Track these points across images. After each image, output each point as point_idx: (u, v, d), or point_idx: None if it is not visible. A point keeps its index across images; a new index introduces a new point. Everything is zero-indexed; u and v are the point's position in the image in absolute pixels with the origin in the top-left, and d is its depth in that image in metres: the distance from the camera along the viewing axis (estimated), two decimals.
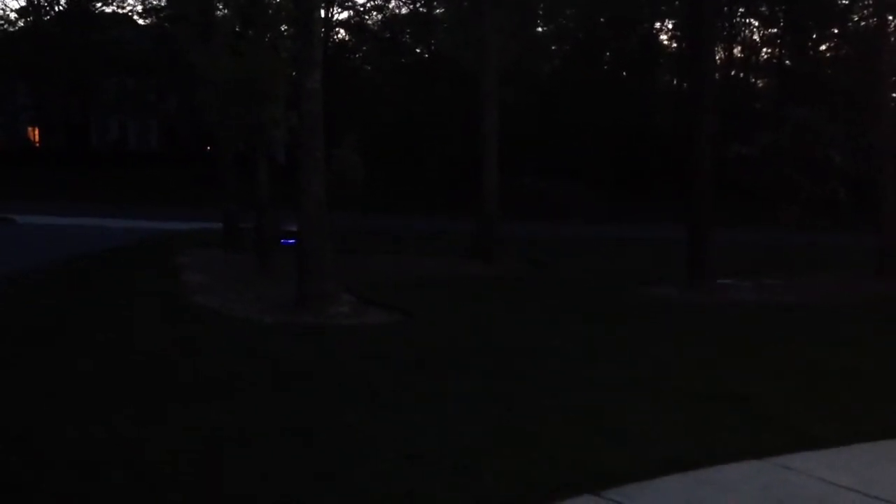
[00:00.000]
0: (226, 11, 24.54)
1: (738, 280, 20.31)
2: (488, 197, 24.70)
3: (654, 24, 62.52)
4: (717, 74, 38.08)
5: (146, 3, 66.47)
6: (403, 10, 67.69)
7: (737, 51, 63.11)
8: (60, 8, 63.88)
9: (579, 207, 44.09)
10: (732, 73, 62.37)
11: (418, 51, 67.56)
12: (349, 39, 69.97)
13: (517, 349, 11.76)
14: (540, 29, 59.35)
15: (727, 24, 59.27)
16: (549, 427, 8.04)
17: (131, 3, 70.90)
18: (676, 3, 56.17)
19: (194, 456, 7.08)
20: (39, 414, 8.26)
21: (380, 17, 68.53)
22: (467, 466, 6.86)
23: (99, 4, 65.57)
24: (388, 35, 67.43)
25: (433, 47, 60.34)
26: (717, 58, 49.59)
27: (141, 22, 67.14)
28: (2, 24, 64.99)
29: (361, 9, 68.37)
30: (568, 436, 7.81)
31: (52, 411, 8.33)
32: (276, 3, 22.01)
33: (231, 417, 8.13)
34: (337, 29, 68.02)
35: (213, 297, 16.46)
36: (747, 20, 63.11)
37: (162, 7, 60.13)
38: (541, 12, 55.15)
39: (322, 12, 36.53)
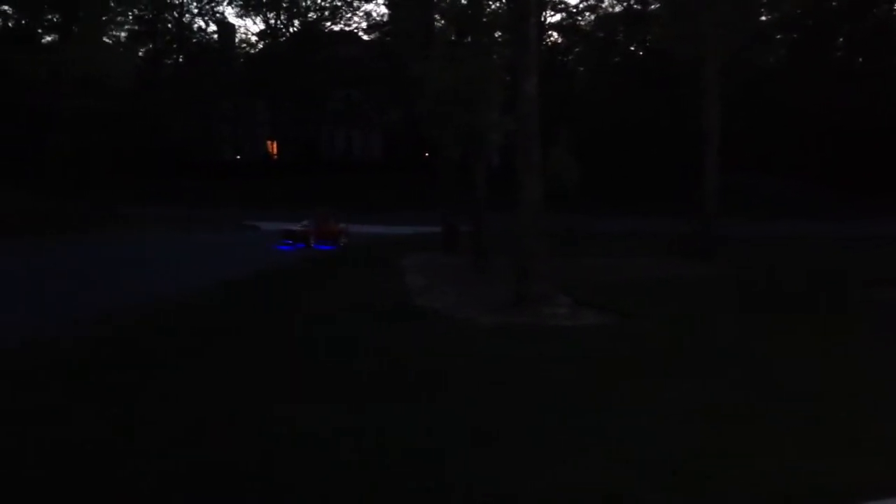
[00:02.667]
0: (443, 22, 25.54)
1: None
2: (708, 195, 23.86)
3: (893, 6, 57.30)
4: None
5: (370, 20, 70.40)
6: (617, 9, 66.88)
7: None
8: (294, 29, 69.24)
9: (799, 203, 41.37)
10: None
11: (632, 48, 66.41)
12: (562, 41, 70.13)
13: (738, 352, 11.29)
14: (763, 18, 56.28)
15: None
16: (775, 434, 7.67)
17: (356, 20, 75.26)
18: None
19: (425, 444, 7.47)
20: (265, 402, 9.04)
21: (592, 17, 68.13)
22: (695, 473, 6.71)
23: (328, 24, 70.37)
24: (602, 35, 66.82)
25: (647, 44, 59.04)
26: None
27: (365, 38, 71.24)
28: (244, 47, 71.48)
29: (574, 10, 68.31)
30: (798, 444, 7.42)
31: (280, 397, 9.09)
32: (492, 11, 22.61)
33: (453, 414, 8.46)
34: (550, 32, 68.40)
35: (434, 298, 17.16)
36: None
37: (384, 23, 63.41)
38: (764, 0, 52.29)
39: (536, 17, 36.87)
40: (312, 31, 66.98)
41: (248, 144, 70.05)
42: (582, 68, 69.84)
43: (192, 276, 20.42)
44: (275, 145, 71.86)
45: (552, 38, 69.22)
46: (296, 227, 30.12)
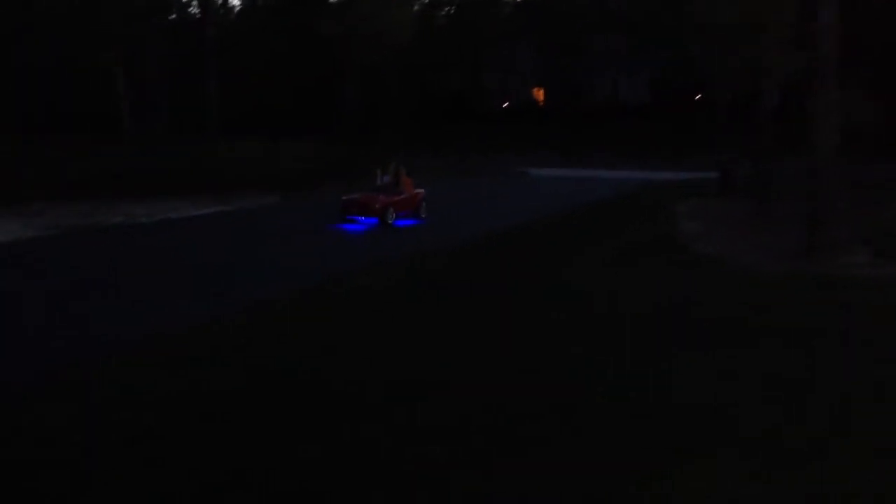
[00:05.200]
0: None
1: None
2: None
3: None
4: None
5: None
6: None
7: None
8: None
9: None
10: None
11: None
12: None
13: None
14: None
15: None
16: None
17: None
18: None
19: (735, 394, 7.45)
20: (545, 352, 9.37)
21: None
22: None
23: None
24: None
25: None
26: None
27: None
28: None
29: None
30: None
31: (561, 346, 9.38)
32: None
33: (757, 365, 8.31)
34: None
35: (712, 244, 16.65)
36: None
37: None
38: None
39: None
40: None
41: (515, 92, 71.15)
42: None
43: (504, 218, 21.56)
44: (541, 92, 72.38)
45: None
46: (363, 194, 21.16)
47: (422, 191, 22.22)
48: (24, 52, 33.74)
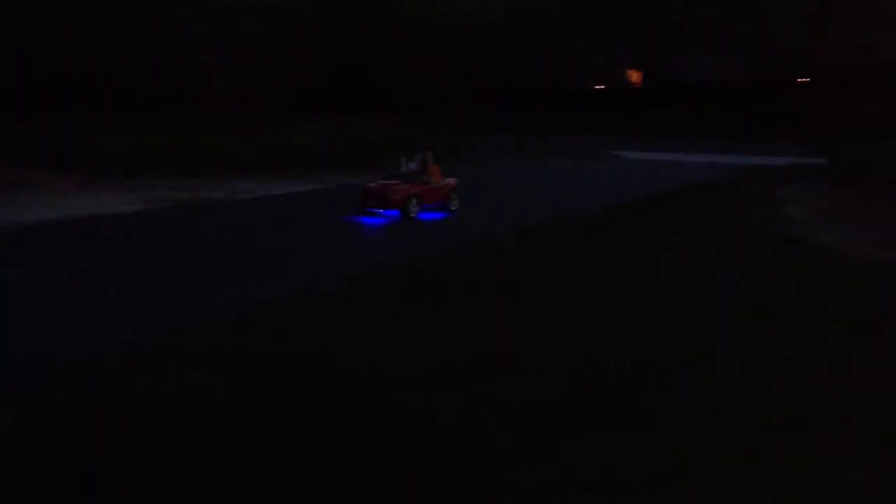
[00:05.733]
0: None
1: None
2: None
3: None
4: None
5: None
6: None
7: None
8: None
9: None
10: None
11: None
12: None
13: None
14: None
15: None
16: None
17: None
18: None
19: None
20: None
21: None
22: None
23: None
24: None
25: None
26: None
27: None
28: None
29: None
30: None
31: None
32: None
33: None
34: None
35: (818, 231, 16.11)
36: None
37: None
38: None
39: None
40: None
41: (608, 74, 70.05)
42: None
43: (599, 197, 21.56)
44: (636, 74, 71.06)
45: None
46: (382, 183, 18.75)
47: (453, 180, 19.69)
48: (123, 32, 34.73)
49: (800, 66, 47.84)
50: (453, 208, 19.16)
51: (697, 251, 14.02)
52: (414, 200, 18.03)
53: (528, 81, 54.04)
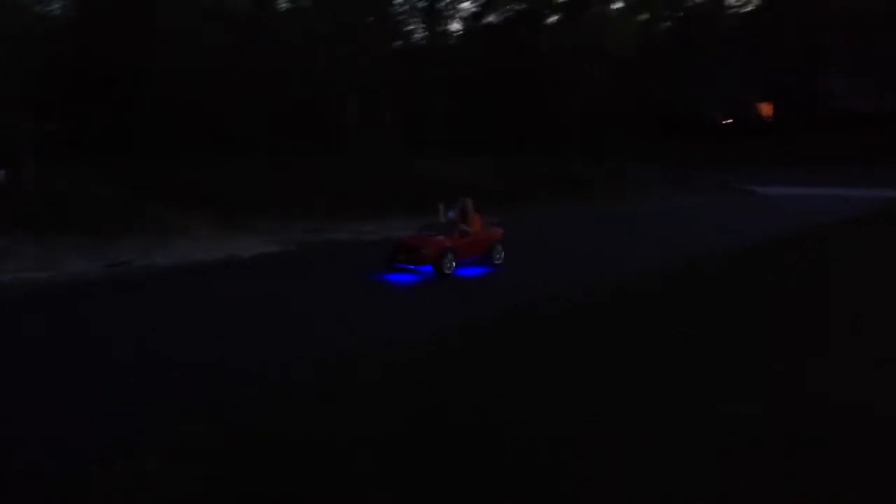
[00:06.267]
0: None
1: None
2: None
3: None
4: None
5: None
6: None
7: None
8: None
9: None
10: None
11: None
12: None
13: None
14: None
15: None
16: None
17: None
18: None
19: None
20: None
21: None
22: None
23: None
24: None
25: None
26: None
27: None
28: (736, 5, 68.81)
29: None
30: None
31: None
32: None
33: None
34: None
35: None
36: None
37: None
38: None
39: None
40: None
41: (737, 106, 67.98)
42: None
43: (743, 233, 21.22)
44: (767, 106, 68.67)
45: None
46: (414, 235, 16.97)
47: (497, 229, 17.51)
48: (261, 77, 36.24)
49: None
50: (497, 262, 17.08)
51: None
52: (450, 255, 15.95)
53: (659, 115, 53.16)
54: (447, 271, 15.83)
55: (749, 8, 66.72)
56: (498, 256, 17.16)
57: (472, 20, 50.87)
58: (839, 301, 12.67)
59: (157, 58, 31.35)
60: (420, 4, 43.96)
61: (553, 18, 44.03)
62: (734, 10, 68.39)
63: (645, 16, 55.24)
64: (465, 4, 53.58)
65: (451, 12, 48.22)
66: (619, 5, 43.93)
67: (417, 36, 46.41)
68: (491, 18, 50.00)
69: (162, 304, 13.93)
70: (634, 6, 49.63)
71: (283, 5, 37.32)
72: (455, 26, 54.26)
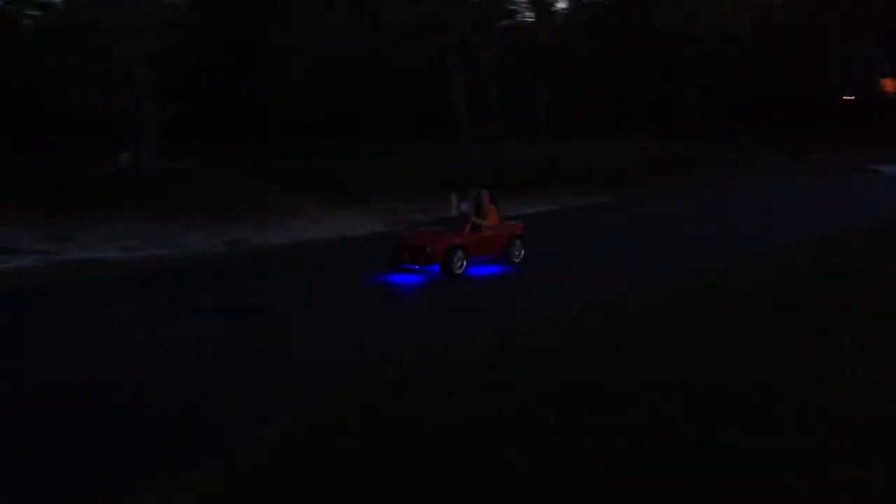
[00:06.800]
0: None
1: None
2: None
3: None
4: None
5: None
6: None
7: None
8: None
9: None
10: None
11: None
12: None
13: None
14: None
15: None
16: None
17: None
18: None
19: None
20: None
21: None
22: None
23: None
24: None
25: None
26: None
27: None
28: None
29: None
30: None
31: None
32: None
33: None
34: None
35: None
36: None
37: None
38: None
39: None
40: None
41: (860, 84, 64.52)
42: None
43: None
44: (891, 82, 64.82)
45: None
46: (418, 233, 15.51)
47: (517, 224, 15.80)
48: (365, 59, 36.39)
49: None
50: (516, 260, 15.17)
51: None
52: (459, 253, 14.26)
53: (776, 94, 50.91)
54: (457, 271, 14.18)
55: None
56: (517, 254, 15.25)
57: None
58: None
59: (273, 46, 32.03)
60: None
61: None
62: None
63: None
64: None
65: None
66: None
67: (527, 16, 45.68)
68: None
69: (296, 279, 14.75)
70: None
71: None
72: (561, 4, 53.22)
